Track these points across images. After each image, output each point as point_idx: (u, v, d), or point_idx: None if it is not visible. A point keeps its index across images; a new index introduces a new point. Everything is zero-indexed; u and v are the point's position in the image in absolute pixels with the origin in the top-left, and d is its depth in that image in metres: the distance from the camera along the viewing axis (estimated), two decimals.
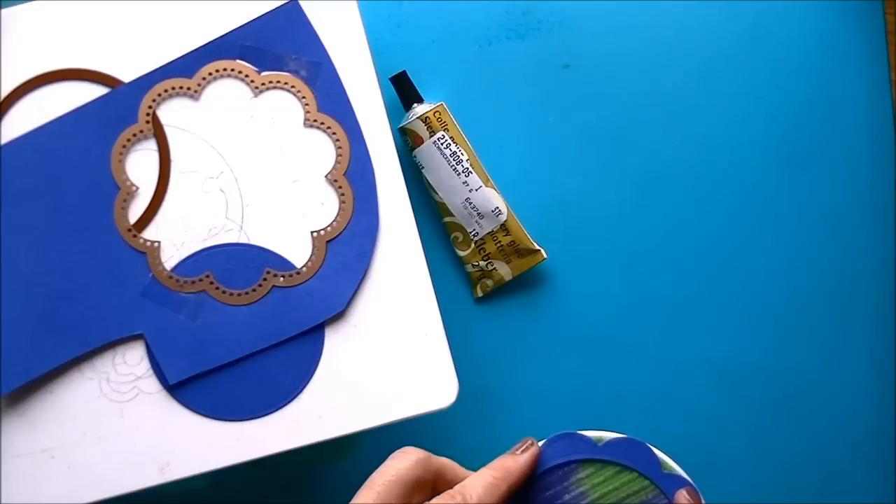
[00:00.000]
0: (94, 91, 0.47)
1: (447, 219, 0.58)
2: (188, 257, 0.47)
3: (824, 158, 0.62)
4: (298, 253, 0.47)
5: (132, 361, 0.46)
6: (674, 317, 0.60)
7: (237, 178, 0.47)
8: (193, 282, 0.47)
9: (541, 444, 0.42)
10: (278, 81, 0.48)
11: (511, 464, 0.41)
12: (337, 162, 0.48)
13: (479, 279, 0.59)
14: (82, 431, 0.46)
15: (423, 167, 0.58)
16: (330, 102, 0.48)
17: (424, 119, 0.57)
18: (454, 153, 0.57)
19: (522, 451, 0.42)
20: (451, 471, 0.42)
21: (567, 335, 0.60)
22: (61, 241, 0.46)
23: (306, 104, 0.48)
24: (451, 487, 0.39)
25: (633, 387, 0.60)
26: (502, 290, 0.60)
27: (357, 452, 0.58)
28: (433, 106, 0.57)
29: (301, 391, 0.47)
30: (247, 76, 0.48)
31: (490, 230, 0.58)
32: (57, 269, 0.46)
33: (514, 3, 0.60)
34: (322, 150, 0.48)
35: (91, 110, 0.47)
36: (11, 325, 0.46)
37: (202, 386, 0.46)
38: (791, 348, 0.61)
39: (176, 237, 0.47)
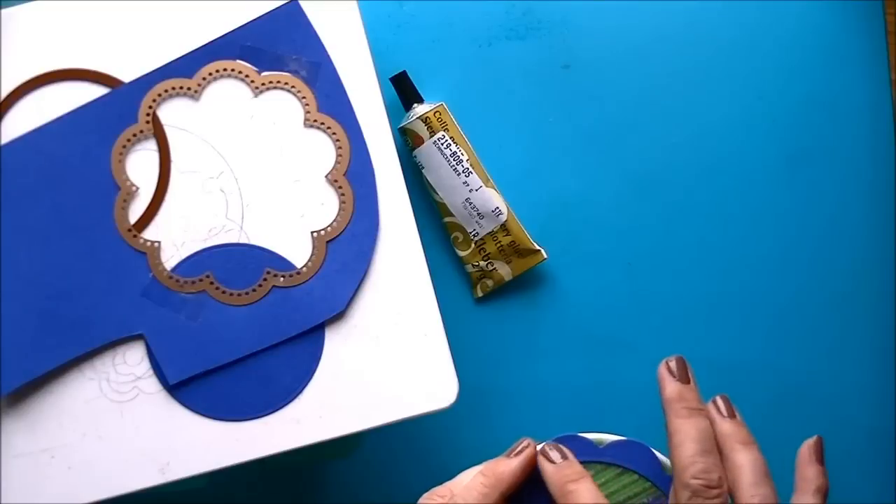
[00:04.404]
0: (94, 91, 0.47)
1: (447, 219, 0.58)
2: (188, 257, 0.47)
3: (824, 158, 0.62)
4: (298, 253, 0.47)
5: (132, 361, 0.46)
6: (674, 317, 0.60)
7: (237, 178, 0.47)
8: (193, 282, 0.47)
9: (541, 446, 0.42)
10: (278, 81, 0.48)
11: (504, 469, 0.40)
12: (337, 162, 0.48)
13: (479, 279, 0.59)
14: (82, 431, 0.46)
15: (423, 167, 0.58)
16: (330, 102, 0.48)
17: (424, 119, 0.57)
18: (454, 153, 0.57)
19: (516, 454, 0.41)
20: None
21: (567, 335, 0.60)
22: (61, 241, 0.46)
23: (306, 104, 0.48)
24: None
25: (633, 387, 0.60)
26: (502, 290, 0.60)
27: (357, 452, 0.58)
28: (433, 106, 0.57)
29: (301, 391, 0.47)
30: (247, 76, 0.48)
31: (490, 230, 0.58)
32: (57, 269, 0.46)
33: (514, 3, 0.60)
34: (322, 150, 0.48)
35: (91, 110, 0.47)
36: (11, 324, 0.46)
37: (202, 386, 0.46)
38: (790, 348, 0.61)
39: (176, 237, 0.47)
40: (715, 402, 0.40)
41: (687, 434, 0.38)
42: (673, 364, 0.40)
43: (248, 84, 0.48)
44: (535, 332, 0.60)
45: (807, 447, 0.39)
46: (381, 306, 0.47)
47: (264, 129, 0.48)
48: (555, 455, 0.40)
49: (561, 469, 0.39)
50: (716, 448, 0.38)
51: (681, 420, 0.38)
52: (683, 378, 0.40)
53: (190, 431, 0.46)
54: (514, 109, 0.60)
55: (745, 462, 0.38)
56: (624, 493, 0.41)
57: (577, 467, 0.39)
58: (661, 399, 0.40)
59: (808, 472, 0.39)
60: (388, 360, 0.47)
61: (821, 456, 0.39)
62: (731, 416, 0.39)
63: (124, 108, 0.47)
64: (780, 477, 0.60)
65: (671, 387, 0.39)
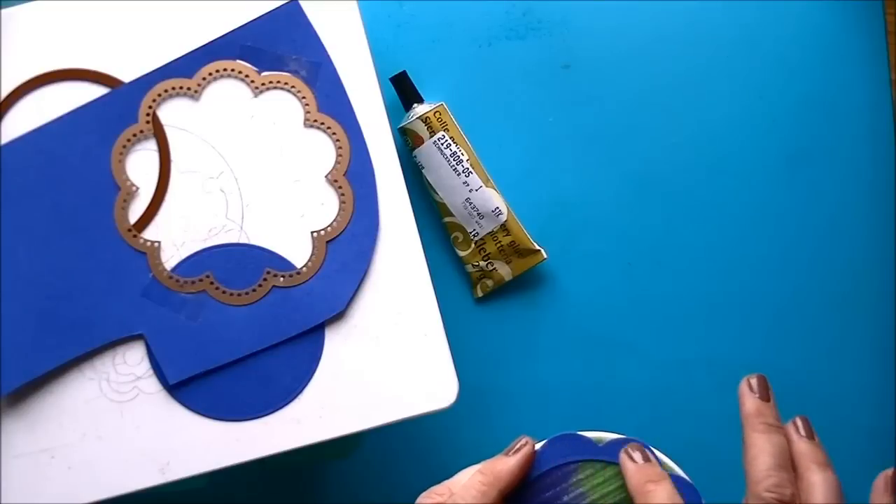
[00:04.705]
0: (94, 91, 0.47)
1: (447, 219, 0.58)
2: (188, 257, 0.47)
3: (824, 158, 0.62)
4: (298, 253, 0.47)
5: (132, 361, 0.46)
6: (674, 317, 0.60)
7: (237, 178, 0.47)
8: (193, 282, 0.47)
9: (540, 445, 0.42)
10: (278, 81, 0.48)
11: (502, 467, 0.40)
12: (337, 162, 0.48)
13: (479, 279, 0.59)
14: (82, 431, 0.46)
15: (423, 167, 0.58)
16: (330, 102, 0.48)
17: (424, 119, 0.57)
18: (454, 153, 0.57)
19: (514, 453, 0.41)
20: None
21: (567, 335, 0.60)
22: (61, 241, 0.46)
23: (306, 104, 0.48)
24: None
25: (633, 387, 0.60)
26: (502, 290, 0.60)
27: (357, 452, 0.58)
28: (433, 106, 0.57)
29: (301, 391, 0.47)
30: (247, 76, 0.48)
31: (490, 230, 0.58)
32: (57, 269, 0.46)
33: (514, 3, 0.60)
34: (322, 150, 0.48)
35: (91, 110, 0.47)
36: (11, 325, 0.46)
37: (202, 386, 0.46)
38: (791, 348, 0.61)
39: (176, 237, 0.47)
40: (794, 423, 0.40)
41: (762, 448, 0.38)
42: (754, 381, 0.41)
43: (248, 84, 0.48)
44: (535, 332, 0.60)
45: (883, 478, 0.40)
46: (381, 306, 0.47)
47: (264, 129, 0.48)
48: (637, 455, 0.40)
49: (643, 469, 0.40)
50: (790, 465, 0.38)
51: (758, 434, 0.39)
52: (764, 395, 0.40)
53: (190, 431, 0.46)
54: (514, 109, 0.60)
55: (820, 482, 0.38)
56: (622, 491, 0.41)
57: (658, 469, 0.40)
58: (740, 414, 0.40)
59: (880, 503, 0.39)
60: (388, 360, 0.47)
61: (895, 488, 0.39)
62: (810, 437, 0.40)
63: (124, 108, 0.47)
64: None
65: (750, 402, 0.40)
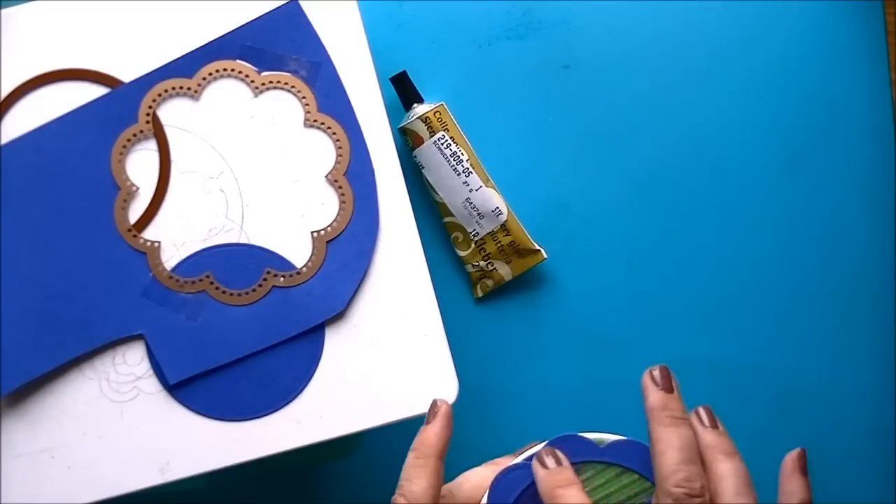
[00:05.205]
0: (94, 91, 0.47)
1: (447, 219, 0.58)
2: (188, 257, 0.47)
3: (824, 158, 0.62)
4: (298, 253, 0.47)
5: (132, 361, 0.46)
6: (674, 317, 0.60)
7: (237, 178, 0.47)
8: (193, 282, 0.47)
9: (541, 446, 0.42)
10: (278, 81, 0.48)
11: (429, 434, 0.41)
12: (337, 162, 0.48)
13: (479, 279, 0.59)
14: (82, 431, 0.46)
15: (423, 167, 0.58)
16: (330, 102, 0.48)
17: (425, 119, 0.57)
18: (454, 153, 0.57)
19: (434, 418, 0.42)
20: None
21: (567, 335, 0.60)
22: (61, 241, 0.46)
23: (306, 104, 0.48)
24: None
25: (633, 387, 0.60)
26: (502, 290, 0.60)
27: (357, 452, 0.58)
28: (433, 106, 0.57)
29: (301, 391, 0.47)
30: (247, 76, 0.48)
31: (490, 230, 0.58)
32: (57, 269, 0.46)
33: (514, 3, 0.60)
34: (322, 150, 0.48)
35: (91, 110, 0.47)
36: (11, 325, 0.46)
37: (202, 386, 0.46)
38: (791, 348, 0.61)
39: (176, 237, 0.47)
40: (698, 413, 0.40)
41: (670, 443, 0.38)
42: (657, 373, 0.40)
43: (248, 84, 0.48)
44: (535, 332, 0.60)
45: (790, 459, 0.39)
46: (381, 306, 0.47)
47: (264, 129, 0.48)
48: (549, 461, 0.40)
49: (552, 475, 0.40)
50: (698, 457, 0.38)
51: (664, 428, 0.38)
52: (667, 387, 0.40)
53: (190, 431, 0.46)
54: (514, 109, 0.60)
55: (728, 472, 0.37)
56: (624, 492, 0.41)
57: (568, 473, 0.40)
58: (644, 408, 0.40)
59: (791, 486, 0.39)
60: (388, 361, 0.47)
61: (804, 468, 0.39)
62: (714, 426, 0.39)
63: (124, 108, 0.47)
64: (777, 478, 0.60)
65: (654, 395, 0.40)
